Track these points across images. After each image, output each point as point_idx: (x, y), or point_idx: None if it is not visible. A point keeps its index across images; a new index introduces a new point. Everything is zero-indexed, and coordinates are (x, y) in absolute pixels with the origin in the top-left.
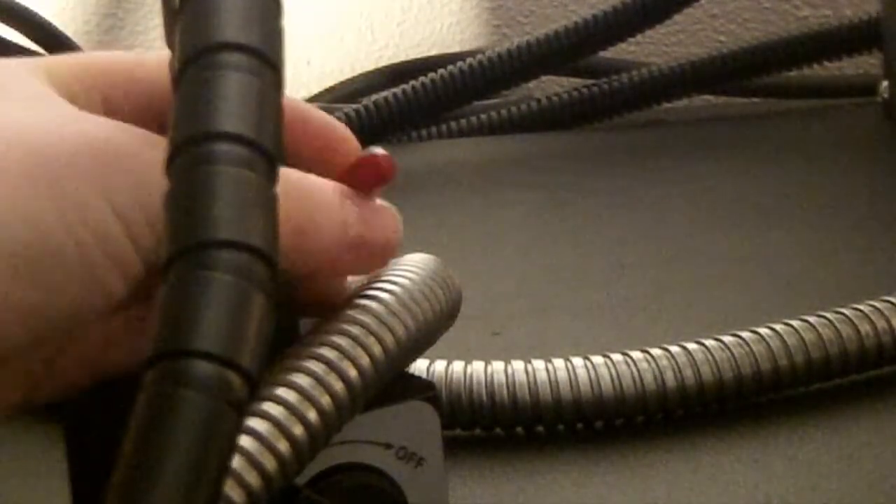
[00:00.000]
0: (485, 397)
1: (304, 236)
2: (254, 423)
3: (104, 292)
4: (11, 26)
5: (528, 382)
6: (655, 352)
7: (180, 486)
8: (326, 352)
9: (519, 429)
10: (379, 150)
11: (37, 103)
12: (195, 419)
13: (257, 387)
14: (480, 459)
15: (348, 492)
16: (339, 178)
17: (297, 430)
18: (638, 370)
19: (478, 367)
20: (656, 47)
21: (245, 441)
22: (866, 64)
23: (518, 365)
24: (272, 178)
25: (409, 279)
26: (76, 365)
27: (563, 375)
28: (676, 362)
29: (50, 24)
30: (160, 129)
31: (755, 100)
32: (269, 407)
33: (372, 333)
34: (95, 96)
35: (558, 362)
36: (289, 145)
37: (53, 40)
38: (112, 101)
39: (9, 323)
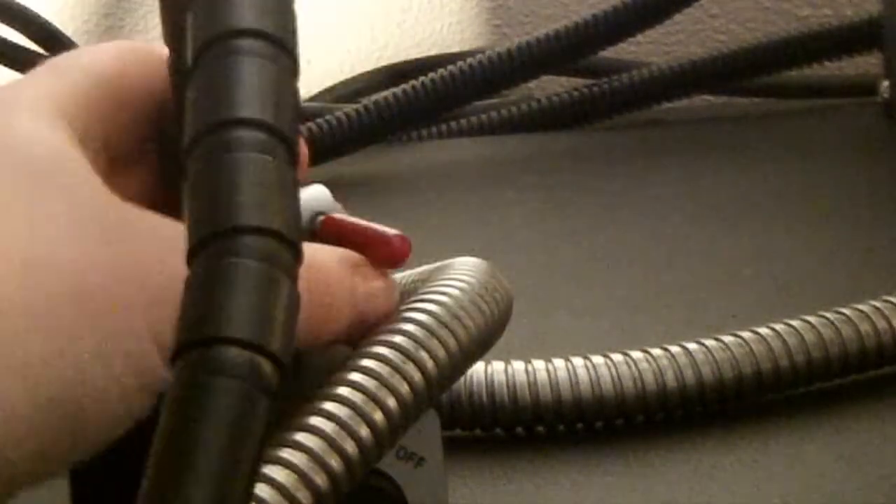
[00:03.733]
0: (485, 397)
1: (312, 317)
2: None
3: (132, 414)
4: (11, 26)
5: (528, 382)
6: (656, 352)
7: (216, 473)
8: (380, 367)
9: (519, 429)
10: (393, 233)
11: (75, 209)
12: (228, 405)
13: (288, 372)
14: (480, 459)
15: (348, 492)
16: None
17: (364, 431)
18: (638, 370)
19: (478, 367)
20: (656, 47)
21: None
22: (866, 64)
23: (518, 365)
24: (292, 163)
25: (463, 288)
26: None
27: (564, 375)
28: (677, 362)
29: (50, 23)
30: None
31: (755, 100)
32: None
33: (437, 336)
34: (98, 131)
35: (558, 362)
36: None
37: (53, 40)
38: (114, 136)
39: (33, 458)
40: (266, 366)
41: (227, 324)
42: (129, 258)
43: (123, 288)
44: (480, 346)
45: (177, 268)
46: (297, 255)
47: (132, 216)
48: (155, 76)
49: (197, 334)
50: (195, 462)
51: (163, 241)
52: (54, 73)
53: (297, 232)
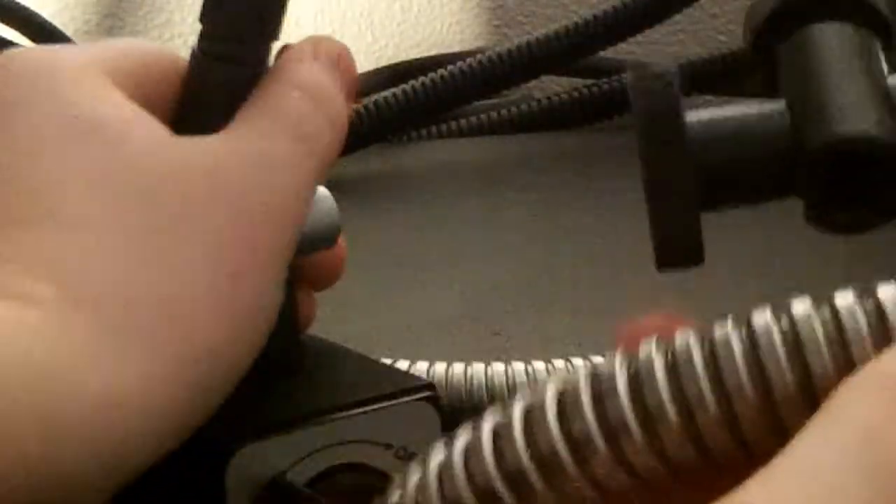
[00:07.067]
0: (485, 398)
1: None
2: None
3: None
4: (11, 26)
5: (529, 383)
6: None
7: None
8: None
9: None
10: None
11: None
12: None
13: None
14: None
15: (348, 492)
16: None
17: None
18: None
19: (478, 367)
20: (656, 47)
21: None
22: None
23: (518, 366)
24: None
25: None
26: None
27: None
28: None
29: (50, 23)
30: None
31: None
32: None
33: None
34: (140, 97)
35: (558, 363)
36: None
37: (53, 40)
38: (152, 99)
39: None
40: None
41: None
42: None
43: None
44: None
45: None
46: None
47: None
48: (172, 61)
49: None
50: None
51: None
52: (89, 46)
53: None
